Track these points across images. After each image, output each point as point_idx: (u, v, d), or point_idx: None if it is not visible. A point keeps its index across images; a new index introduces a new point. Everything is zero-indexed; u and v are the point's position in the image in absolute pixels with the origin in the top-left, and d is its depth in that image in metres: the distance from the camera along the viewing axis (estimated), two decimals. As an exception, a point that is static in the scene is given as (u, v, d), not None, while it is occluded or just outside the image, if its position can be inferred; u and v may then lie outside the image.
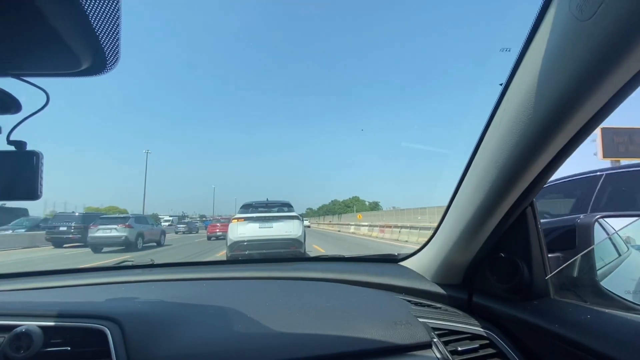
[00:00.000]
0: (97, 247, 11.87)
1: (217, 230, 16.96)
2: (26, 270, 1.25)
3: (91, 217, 13.65)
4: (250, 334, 0.70)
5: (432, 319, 0.81)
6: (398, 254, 1.34)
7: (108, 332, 0.64)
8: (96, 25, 0.42)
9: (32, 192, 0.55)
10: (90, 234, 11.88)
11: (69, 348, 0.63)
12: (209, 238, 17.30)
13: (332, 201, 79.73)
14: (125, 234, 11.92)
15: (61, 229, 13.86)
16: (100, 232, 11.80)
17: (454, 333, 0.78)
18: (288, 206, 7.53)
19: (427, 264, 1.05)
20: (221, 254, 9.26)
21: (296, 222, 6.59)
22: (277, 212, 7.06)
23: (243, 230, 6.34)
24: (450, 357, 0.71)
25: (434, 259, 1.00)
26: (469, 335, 0.79)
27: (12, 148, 0.56)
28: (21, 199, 0.56)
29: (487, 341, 0.77)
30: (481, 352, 0.74)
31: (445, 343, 0.74)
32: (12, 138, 0.57)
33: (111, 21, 0.43)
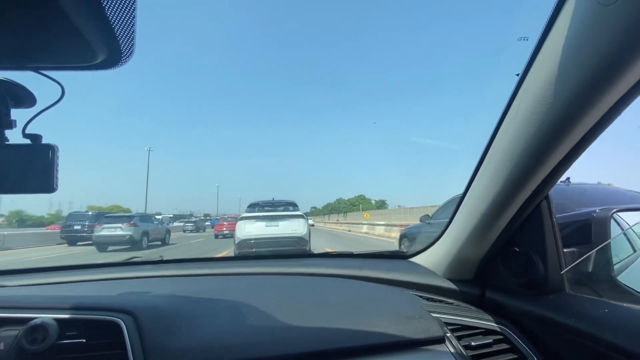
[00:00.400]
0: (103, 245, 12.00)
1: (224, 228, 17.52)
2: (38, 266, 1.28)
3: (103, 217, 14.00)
4: (263, 327, 0.71)
5: (444, 314, 0.82)
6: (407, 250, 1.35)
7: (123, 324, 0.65)
8: (113, 18, 0.43)
9: (48, 185, 0.56)
10: (95, 233, 12.05)
11: (84, 340, 0.64)
12: (216, 236, 17.88)
13: (337, 200, 79.84)
14: (130, 232, 12.04)
15: (75, 227, 14.56)
16: (106, 230, 11.94)
17: (467, 328, 0.79)
18: (293, 205, 7.84)
19: (438, 260, 1.05)
20: (226, 253, 9.32)
21: (301, 220, 6.90)
22: (283, 211, 7.37)
23: (250, 229, 6.64)
24: (464, 352, 0.71)
25: (445, 254, 1.00)
26: (482, 330, 0.79)
27: (27, 141, 0.58)
28: (37, 192, 0.58)
29: (501, 336, 0.77)
30: (495, 347, 0.74)
31: (459, 338, 0.74)
32: (27, 131, 0.59)
33: (128, 14, 0.43)
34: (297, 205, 7.90)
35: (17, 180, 0.57)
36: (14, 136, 0.59)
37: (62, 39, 0.44)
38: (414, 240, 6.64)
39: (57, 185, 0.57)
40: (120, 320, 0.66)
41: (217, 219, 24.93)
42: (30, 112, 0.62)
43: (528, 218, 0.79)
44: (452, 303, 0.92)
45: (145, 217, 14.00)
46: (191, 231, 27.95)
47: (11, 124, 0.58)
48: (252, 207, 7.62)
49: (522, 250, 0.82)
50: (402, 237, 7.16)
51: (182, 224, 30.70)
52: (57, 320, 0.65)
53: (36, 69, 0.52)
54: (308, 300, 0.86)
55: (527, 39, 0.62)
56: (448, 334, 0.74)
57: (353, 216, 44.58)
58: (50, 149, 0.57)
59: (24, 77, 0.59)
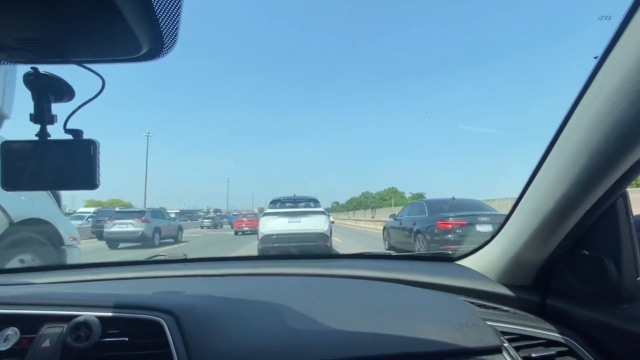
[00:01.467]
0: (113, 242, 12.62)
1: (244, 225, 18.98)
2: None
3: (114, 212, 15.11)
4: (306, 330, 0.74)
5: (500, 322, 0.83)
6: (453, 252, 1.35)
7: (164, 324, 0.71)
8: (160, 8, 0.46)
9: (91, 182, 0.62)
10: (106, 229, 12.66)
11: (127, 339, 0.70)
12: (236, 233, 19.31)
13: (363, 193, 79.06)
14: (141, 229, 12.57)
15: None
16: (116, 227, 12.51)
17: (526, 338, 0.79)
18: (315, 201, 8.73)
19: (491, 263, 1.05)
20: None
21: (323, 217, 7.69)
22: (305, 207, 8.23)
23: (273, 225, 7.47)
24: None
25: (500, 257, 1.00)
26: (543, 341, 0.79)
27: (69, 137, 0.63)
28: (80, 188, 0.63)
29: (566, 348, 0.77)
30: None
31: (517, 349, 0.75)
32: (68, 126, 0.64)
33: (174, 3, 0.47)
34: (318, 202, 8.75)
35: (61, 176, 0.63)
36: (55, 132, 0.65)
37: (110, 32, 0.48)
38: (388, 234, 9.49)
39: (99, 181, 0.63)
40: (161, 319, 0.72)
41: (234, 215, 26.36)
42: (68, 106, 0.67)
43: (600, 218, 0.78)
44: (507, 310, 0.92)
45: (157, 213, 14.55)
46: (208, 227, 30.36)
47: (53, 119, 0.64)
48: (274, 203, 8.59)
49: (592, 253, 0.81)
50: (384, 229, 10.25)
51: (196, 220, 32.87)
52: (99, 318, 0.71)
53: (80, 63, 0.57)
54: (350, 303, 0.89)
55: (609, 18, 0.61)
56: (505, 344, 0.75)
57: (383, 212, 43.94)
58: (92, 144, 0.62)
59: (57, 71, 0.65)
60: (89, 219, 19.15)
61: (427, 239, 7.17)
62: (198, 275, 1.24)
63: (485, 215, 7.11)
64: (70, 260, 3.81)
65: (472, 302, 0.94)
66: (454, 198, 8.07)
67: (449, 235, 6.90)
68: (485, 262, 1.09)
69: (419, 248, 7.40)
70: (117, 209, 16.97)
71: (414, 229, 7.71)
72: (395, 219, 9.16)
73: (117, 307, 0.75)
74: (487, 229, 6.84)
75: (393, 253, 1.49)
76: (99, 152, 0.63)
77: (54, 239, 3.74)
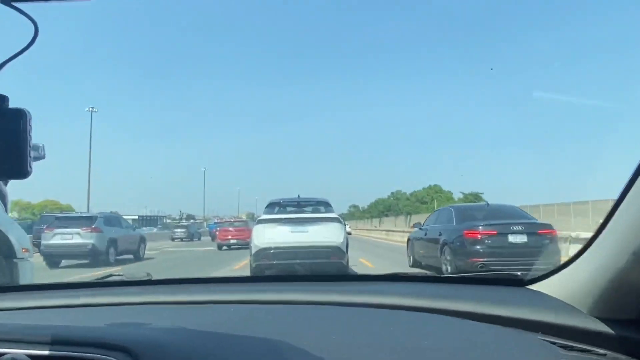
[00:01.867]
0: (54, 258, 12.79)
1: (230, 236, 19.39)
2: None
3: (54, 218, 15.48)
4: None
5: None
6: (522, 272, 1.34)
7: None
8: None
9: (21, 167, 0.60)
10: (44, 241, 12.82)
11: None
12: (219, 247, 19.88)
13: (393, 193, 78.81)
14: (91, 241, 12.72)
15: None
16: (58, 237, 12.68)
17: None
18: (326, 205, 8.87)
19: (579, 288, 1.04)
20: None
21: (336, 225, 7.82)
22: (312, 212, 8.42)
23: (271, 235, 7.59)
24: None
25: (592, 280, 0.99)
26: None
27: None
28: (6, 177, 0.62)
29: None
30: None
31: None
32: None
33: None
34: (330, 205, 8.90)
35: None
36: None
37: None
38: (412, 247, 10.96)
39: (31, 167, 0.61)
40: None
41: (216, 223, 26.44)
42: None
43: None
44: (604, 354, 0.91)
45: (112, 219, 14.72)
46: (182, 239, 30.77)
47: None
48: (272, 207, 8.67)
49: None
50: (408, 241, 11.96)
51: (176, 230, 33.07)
52: (32, 357, 0.71)
53: (7, 2, 0.56)
54: (382, 342, 0.89)
55: None
56: None
57: (421, 220, 43.92)
58: (21, 116, 0.61)
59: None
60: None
61: (454, 251, 8.32)
62: (167, 303, 1.25)
63: (520, 224, 8.21)
64: (22, 276, 3.95)
65: (554, 343, 0.93)
66: (487, 204, 9.99)
67: (478, 246, 7.99)
68: (571, 286, 1.08)
69: (446, 261, 8.37)
70: (62, 214, 17.32)
71: (440, 240, 8.91)
72: (420, 229, 10.66)
73: (56, 343, 0.76)
74: (521, 239, 7.92)
75: (434, 274, 1.48)
76: (30, 126, 0.61)
77: (5, 251, 3.92)
